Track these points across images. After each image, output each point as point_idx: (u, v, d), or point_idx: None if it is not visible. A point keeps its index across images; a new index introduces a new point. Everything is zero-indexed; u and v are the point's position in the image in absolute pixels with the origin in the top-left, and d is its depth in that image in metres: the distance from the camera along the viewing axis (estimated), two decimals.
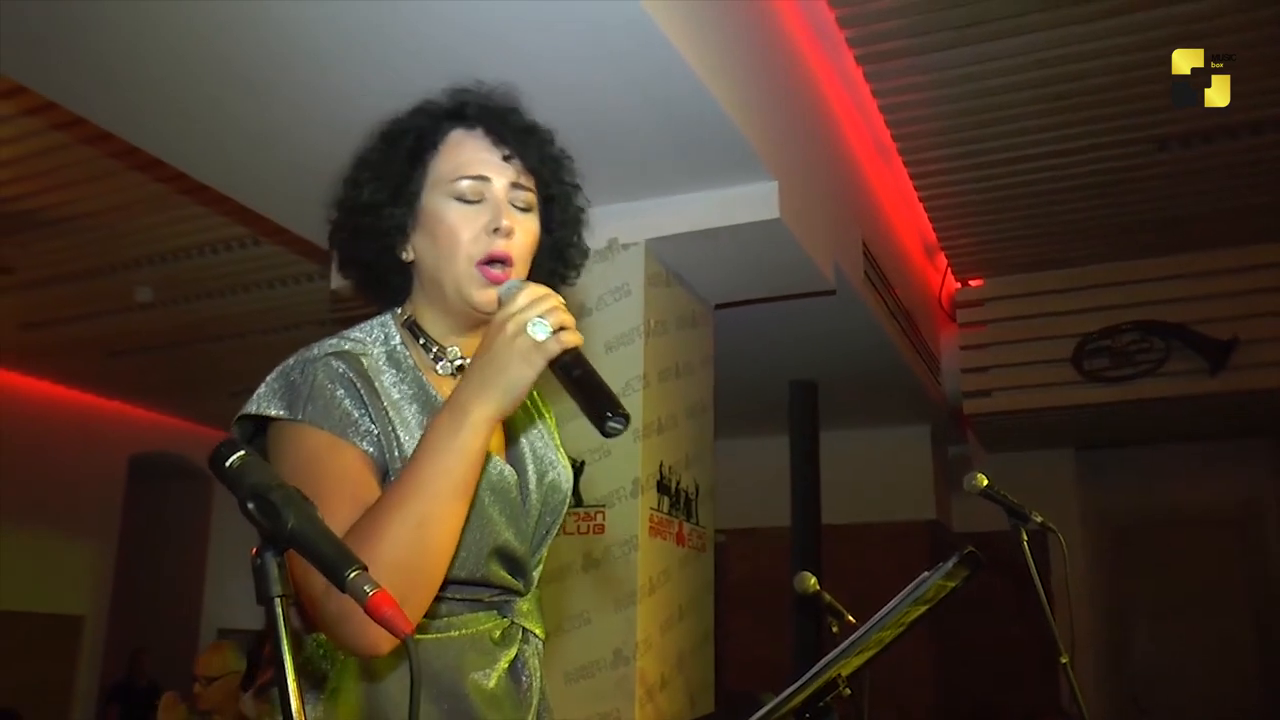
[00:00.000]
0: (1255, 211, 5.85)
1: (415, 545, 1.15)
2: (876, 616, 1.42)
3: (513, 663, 1.38)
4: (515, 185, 1.39)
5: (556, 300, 1.22)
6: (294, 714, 0.81)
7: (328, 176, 4.09)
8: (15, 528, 7.50)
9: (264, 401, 1.29)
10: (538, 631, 1.43)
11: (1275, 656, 7.44)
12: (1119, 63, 4.44)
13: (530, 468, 1.43)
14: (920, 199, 5.86)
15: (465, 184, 1.36)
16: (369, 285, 1.47)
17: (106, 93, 3.26)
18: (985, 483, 2.54)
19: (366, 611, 0.85)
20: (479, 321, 1.37)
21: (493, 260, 1.34)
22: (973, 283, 7.11)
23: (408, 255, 1.40)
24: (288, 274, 5.77)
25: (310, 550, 0.88)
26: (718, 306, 4.74)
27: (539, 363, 1.19)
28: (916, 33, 4.31)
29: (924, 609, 1.60)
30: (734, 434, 7.49)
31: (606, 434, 1.19)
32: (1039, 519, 2.58)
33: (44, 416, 7.81)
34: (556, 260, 1.49)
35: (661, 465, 4.01)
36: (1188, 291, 6.44)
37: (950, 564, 1.39)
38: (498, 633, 1.36)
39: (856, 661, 1.56)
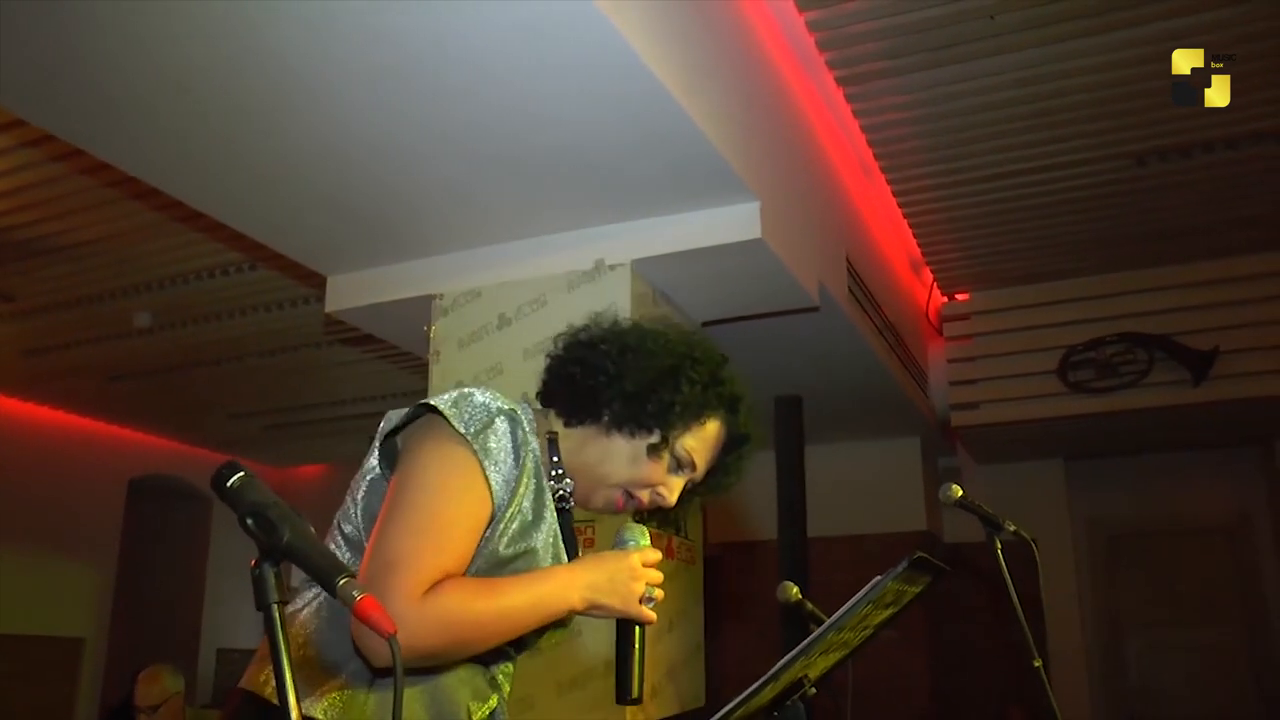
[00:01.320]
0: (1233, 225, 5.95)
1: (487, 632, 1.40)
2: (832, 619, 1.50)
3: (494, 711, 1.57)
4: (690, 480, 1.63)
5: (661, 576, 1.53)
6: (290, 709, 0.90)
7: (321, 203, 4.20)
8: (17, 551, 7.57)
9: (452, 410, 1.44)
10: (506, 691, 1.62)
11: (1267, 663, 7.51)
12: (1094, 81, 4.54)
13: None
14: (904, 215, 5.96)
15: (684, 462, 1.59)
16: (559, 393, 1.64)
17: (104, 124, 3.34)
18: (959, 493, 2.62)
19: (354, 613, 0.94)
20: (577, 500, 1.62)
21: (632, 501, 1.60)
22: (959, 297, 7.20)
23: (609, 425, 1.58)
24: (284, 298, 5.86)
25: (304, 560, 0.97)
26: (704, 324, 4.82)
27: (630, 614, 1.49)
28: (895, 54, 4.41)
29: (888, 613, 1.68)
30: None
31: (618, 702, 1.51)
32: (1012, 528, 2.66)
33: (45, 441, 7.89)
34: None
35: None
36: (1170, 304, 6.52)
37: (901, 568, 1.48)
38: (486, 680, 1.56)
39: (823, 663, 1.64)
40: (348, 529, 1.50)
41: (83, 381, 7.22)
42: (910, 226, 6.12)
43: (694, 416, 1.57)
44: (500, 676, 1.59)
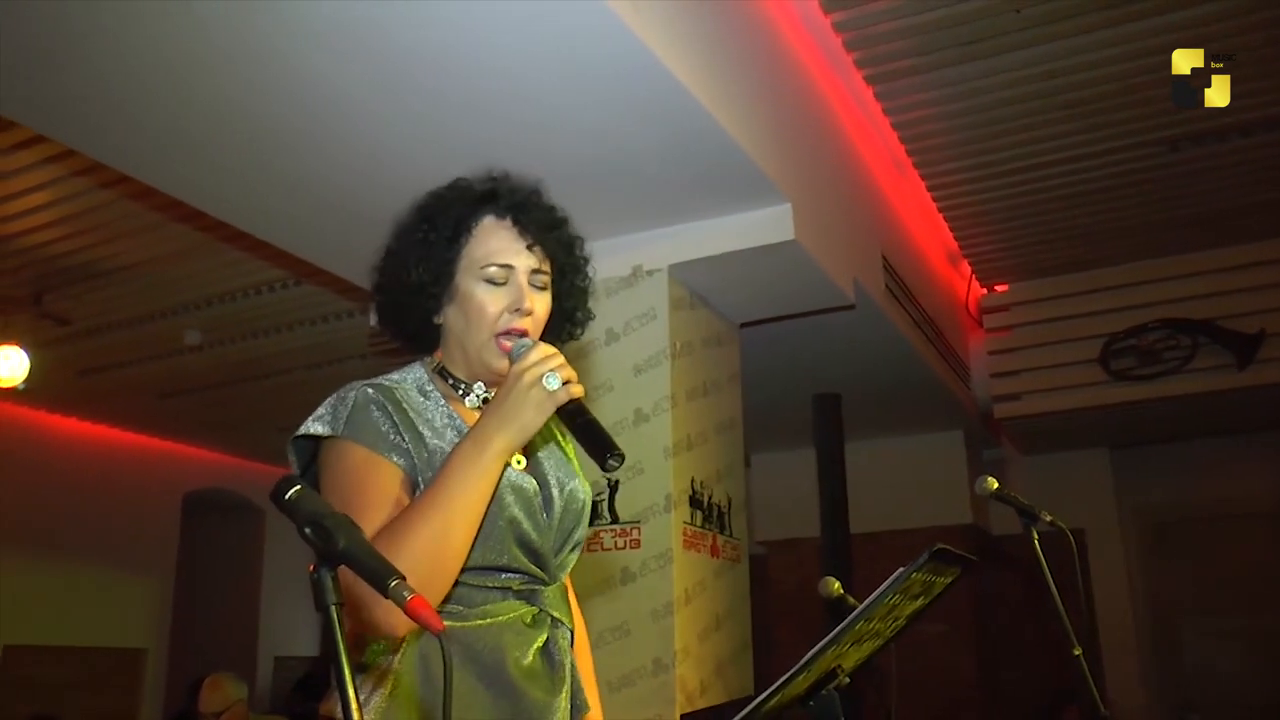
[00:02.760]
0: (1273, 207, 5.91)
1: (436, 547, 1.38)
2: (858, 610, 1.55)
3: (545, 645, 1.58)
4: (535, 270, 1.62)
5: (562, 358, 1.45)
6: (350, 702, 0.97)
7: (359, 218, 4.32)
8: (80, 566, 7.77)
9: (311, 424, 1.52)
10: (566, 621, 1.63)
11: None
12: (1122, 70, 4.54)
13: (552, 478, 1.64)
14: (939, 209, 5.97)
15: (493, 270, 1.59)
16: (405, 339, 1.70)
17: (150, 151, 3.45)
18: (995, 485, 2.64)
19: (406, 613, 1.01)
20: (497, 380, 1.59)
21: (510, 334, 1.57)
22: (998, 288, 7.19)
23: (439, 319, 1.64)
24: (328, 311, 5.96)
25: (359, 565, 1.04)
26: (743, 325, 4.87)
27: (549, 409, 1.43)
28: (922, 52, 4.44)
29: (919, 604, 1.72)
30: (771, 448, 7.61)
31: (606, 470, 1.43)
32: (1049, 518, 2.68)
33: (102, 458, 8.08)
34: (567, 321, 1.75)
35: (693, 481, 4.15)
36: (1212, 288, 6.48)
37: (922, 560, 1.53)
38: (529, 618, 1.56)
39: (856, 654, 1.69)
40: None
41: (136, 399, 7.38)
42: (946, 220, 6.13)
43: (450, 242, 1.61)
44: (549, 608, 1.58)
